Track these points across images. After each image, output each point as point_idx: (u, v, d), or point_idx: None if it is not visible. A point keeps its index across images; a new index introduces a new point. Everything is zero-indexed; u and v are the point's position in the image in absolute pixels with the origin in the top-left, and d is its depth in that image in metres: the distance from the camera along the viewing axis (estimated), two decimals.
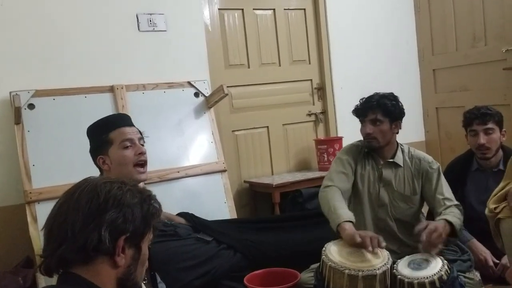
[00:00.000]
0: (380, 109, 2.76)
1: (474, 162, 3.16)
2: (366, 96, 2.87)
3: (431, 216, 2.83)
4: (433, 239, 2.40)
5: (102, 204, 1.31)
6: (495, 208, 2.25)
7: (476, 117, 3.04)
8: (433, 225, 2.47)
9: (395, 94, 2.88)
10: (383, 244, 2.36)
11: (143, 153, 2.44)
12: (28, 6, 3.61)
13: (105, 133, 2.44)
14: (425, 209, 2.97)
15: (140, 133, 2.52)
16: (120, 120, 2.54)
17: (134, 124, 2.56)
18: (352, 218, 2.53)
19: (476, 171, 3.14)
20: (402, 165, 2.81)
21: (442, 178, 2.79)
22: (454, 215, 2.58)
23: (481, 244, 2.89)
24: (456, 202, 2.72)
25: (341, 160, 2.86)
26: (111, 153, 2.41)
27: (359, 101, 2.86)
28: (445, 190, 2.75)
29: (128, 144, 2.42)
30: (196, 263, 2.91)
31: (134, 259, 1.37)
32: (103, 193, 1.33)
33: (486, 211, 2.31)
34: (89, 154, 2.51)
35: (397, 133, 2.85)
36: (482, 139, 3.00)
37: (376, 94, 2.83)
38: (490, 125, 3.01)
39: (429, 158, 2.86)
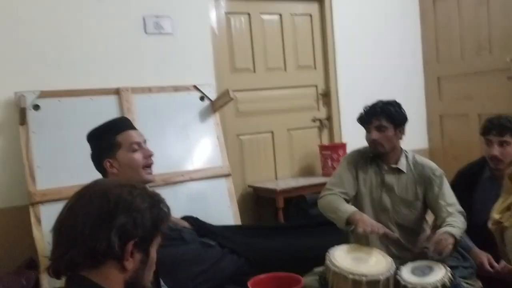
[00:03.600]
0: (384, 116, 2.78)
1: (486, 170, 3.09)
2: (369, 103, 2.88)
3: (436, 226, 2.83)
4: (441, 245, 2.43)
5: (112, 208, 1.31)
6: (500, 218, 2.24)
7: (494, 128, 2.95)
8: (437, 236, 2.49)
9: (400, 101, 2.89)
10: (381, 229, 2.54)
11: (152, 155, 2.47)
12: (34, 7, 3.63)
13: (112, 136, 2.45)
14: (430, 218, 2.97)
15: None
16: (125, 124, 2.56)
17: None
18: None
19: (488, 179, 3.06)
20: (405, 171, 2.82)
21: (445, 184, 2.79)
22: (456, 224, 2.58)
23: (481, 251, 2.87)
24: (459, 208, 2.71)
25: (340, 168, 2.92)
26: (120, 156, 2.42)
27: (363, 109, 2.88)
28: (448, 196, 2.75)
29: (137, 147, 2.44)
30: (201, 269, 2.90)
31: (143, 263, 1.37)
32: (113, 197, 1.33)
33: (490, 224, 2.30)
34: None
35: (401, 138, 2.86)
36: (496, 150, 2.92)
37: (380, 102, 2.85)
38: (506, 138, 2.91)
39: (433, 165, 2.85)
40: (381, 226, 2.57)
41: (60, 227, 1.35)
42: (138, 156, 2.44)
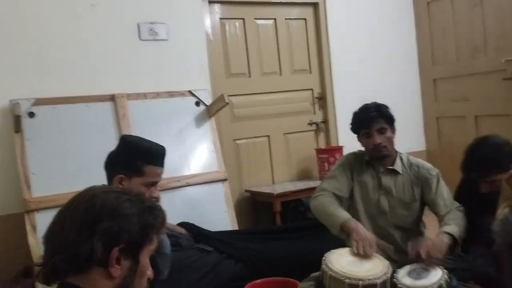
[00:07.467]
0: (383, 118, 2.75)
1: None
2: (357, 110, 2.84)
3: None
4: (433, 255, 2.41)
5: (97, 213, 1.30)
6: None
7: None
8: (431, 242, 2.47)
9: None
10: (371, 250, 2.43)
11: (157, 199, 2.44)
12: (29, 15, 3.63)
13: (143, 163, 2.43)
14: (426, 220, 2.96)
15: None
16: (160, 158, 2.53)
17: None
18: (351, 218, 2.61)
19: None
20: (401, 172, 2.81)
21: (442, 183, 2.78)
22: (454, 222, 2.58)
23: None
24: (457, 205, 2.71)
25: (335, 169, 2.88)
26: (133, 182, 2.40)
27: (355, 117, 2.84)
28: (446, 194, 2.75)
29: (151, 185, 2.43)
30: (199, 275, 2.89)
31: (131, 271, 1.34)
32: (99, 202, 1.32)
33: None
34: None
35: (394, 138, 2.84)
36: None
37: (371, 105, 2.81)
38: None
39: (428, 165, 2.85)
40: (374, 238, 2.50)
41: (49, 233, 1.34)
42: (146, 192, 2.41)
